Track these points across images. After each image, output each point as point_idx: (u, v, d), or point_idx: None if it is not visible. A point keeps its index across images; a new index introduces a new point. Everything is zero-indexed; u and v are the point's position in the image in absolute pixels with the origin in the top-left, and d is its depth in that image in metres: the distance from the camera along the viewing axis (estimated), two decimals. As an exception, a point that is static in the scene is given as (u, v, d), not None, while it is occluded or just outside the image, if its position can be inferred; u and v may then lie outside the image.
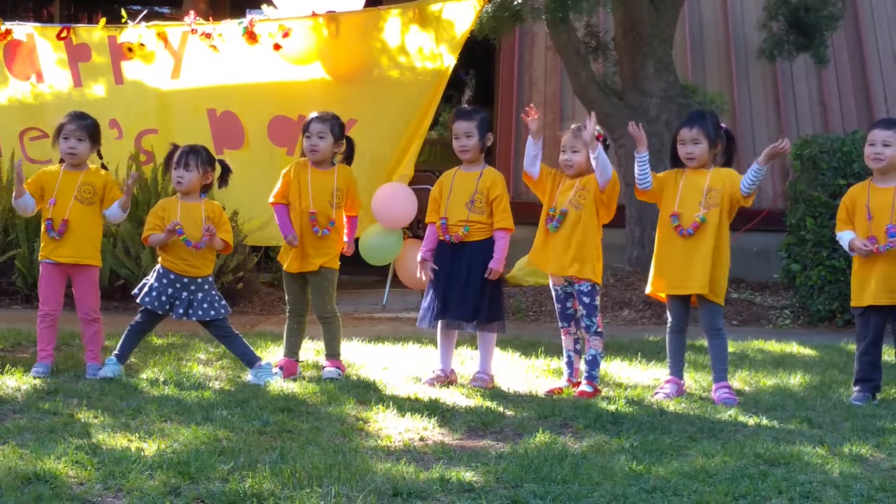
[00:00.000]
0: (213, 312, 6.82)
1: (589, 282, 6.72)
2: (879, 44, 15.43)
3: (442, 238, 6.92)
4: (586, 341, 6.79)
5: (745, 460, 4.96)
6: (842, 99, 14.95)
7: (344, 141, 7.21)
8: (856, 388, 6.67)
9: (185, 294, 6.79)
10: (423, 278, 7.07)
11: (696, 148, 6.64)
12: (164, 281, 6.80)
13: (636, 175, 6.74)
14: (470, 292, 6.82)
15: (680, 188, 6.68)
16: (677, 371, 6.76)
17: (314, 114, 7.20)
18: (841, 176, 10.35)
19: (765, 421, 5.91)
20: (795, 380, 7.23)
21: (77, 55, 11.39)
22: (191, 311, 6.79)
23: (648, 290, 6.91)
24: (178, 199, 6.95)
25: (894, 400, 6.62)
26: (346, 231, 7.24)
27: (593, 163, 6.63)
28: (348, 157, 7.30)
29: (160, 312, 6.83)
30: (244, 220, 10.81)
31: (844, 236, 6.67)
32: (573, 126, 6.92)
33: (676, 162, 6.80)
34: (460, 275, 6.85)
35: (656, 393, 6.61)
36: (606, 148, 6.93)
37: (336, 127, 7.14)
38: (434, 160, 15.90)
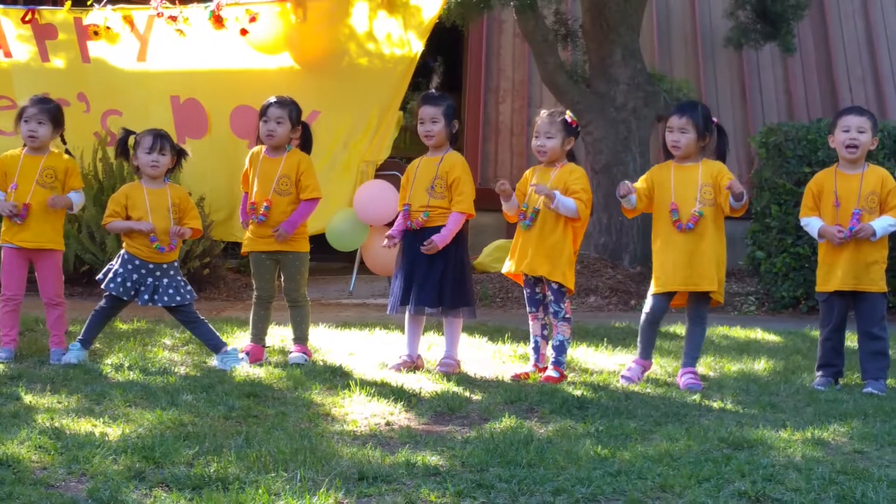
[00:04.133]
0: (178, 298, 6.79)
1: (559, 282, 6.73)
2: (844, 32, 15.52)
3: (405, 224, 6.90)
4: (554, 327, 6.79)
5: (709, 444, 4.99)
6: (807, 87, 15.04)
7: (300, 127, 7.17)
8: (819, 374, 6.72)
9: (150, 280, 6.76)
10: (385, 243, 7.01)
11: (683, 137, 6.62)
12: (129, 267, 6.75)
13: (623, 205, 6.78)
14: (432, 278, 6.79)
15: (672, 182, 6.67)
16: (647, 353, 6.78)
17: (272, 98, 7.12)
18: (806, 164, 10.41)
19: (729, 405, 5.95)
20: (759, 365, 7.28)
21: (43, 34, 11.36)
22: (156, 297, 6.75)
23: (654, 289, 6.75)
24: (143, 186, 6.87)
25: (856, 385, 6.67)
26: (292, 216, 7.04)
27: (558, 210, 6.64)
28: (305, 144, 7.24)
29: (125, 298, 6.79)
30: (208, 211, 10.79)
31: (812, 223, 6.69)
32: (545, 111, 6.92)
33: (668, 153, 6.77)
34: (422, 261, 6.82)
35: (622, 376, 6.63)
36: (577, 136, 6.92)
37: (294, 112, 7.09)
38: (402, 146, 15.88)
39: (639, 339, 6.82)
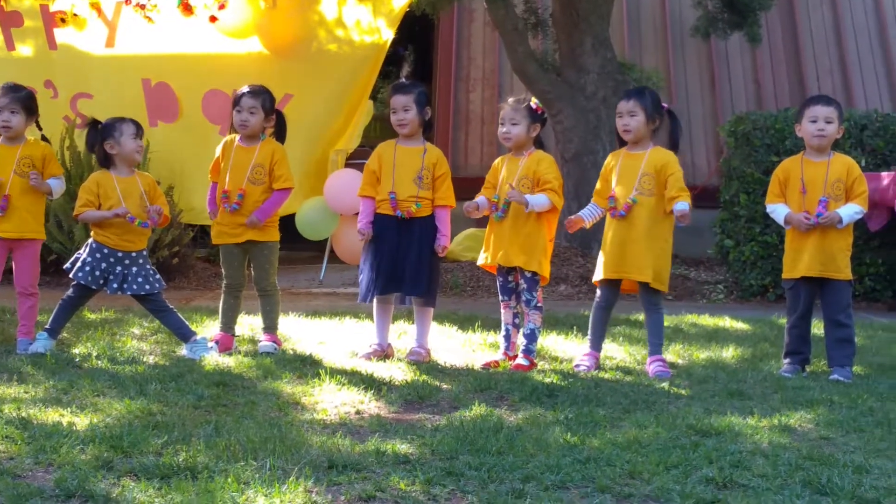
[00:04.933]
0: (147, 287, 6.76)
1: (534, 271, 6.74)
2: (812, 23, 15.62)
3: (391, 213, 6.84)
4: (525, 315, 6.80)
5: (678, 431, 5.01)
6: (775, 77, 15.13)
7: (274, 115, 7.15)
8: (786, 361, 6.77)
9: (119, 268, 6.72)
10: (361, 238, 6.99)
11: (633, 120, 6.65)
12: (98, 255, 6.71)
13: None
14: (423, 269, 6.79)
15: (617, 170, 6.71)
16: (597, 345, 6.81)
17: (246, 87, 7.09)
18: (774, 153, 10.47)
19: (697, 393, 5.97)
20: (727, 353, 7.32)
21: (9, 21, 11.31)
22: (125, 286, 6.71)
23: (595, 277, 6.84)
24: (113, 174, 6.81)
25: (823, 372, 6.72)
26: (264, 204, 7.04)
27: (534, 211, 6.67)
28: (279, 132, 7.22)
29: (94, 288, 6.74)
30: (179, 196, 10.76)
31: (778, 209, 6.73)
32: (511, 98, 6.92)
33: (622, 141, 6.82)
34: (411, 250, 6.80)
35: (577, 366, 6.66)
36: (544, 122, 6.92)
37: (267, 101, 7.07)
38: (372, 135, 15.88)
39: (590, 329, 6.85)
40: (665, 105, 6.79)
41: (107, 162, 6.83)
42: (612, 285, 6.78)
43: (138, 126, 6.84)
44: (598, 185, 6.86)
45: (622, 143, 6.85)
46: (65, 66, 11.27)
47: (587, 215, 6.83)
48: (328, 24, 11.21)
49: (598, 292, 6.85)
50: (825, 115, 6.64)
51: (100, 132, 6.80)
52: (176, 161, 10.98)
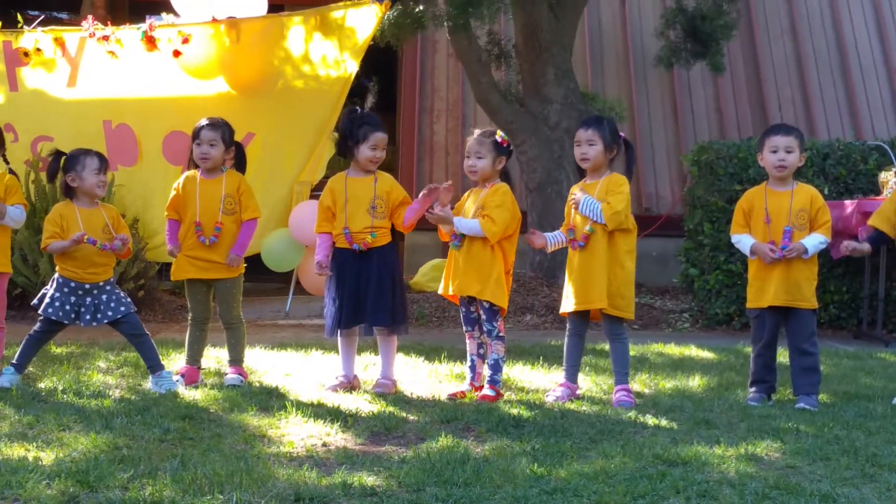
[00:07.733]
0: (122, 309, 6.69)
1: (489, 301, 6.76)
2: (773, 52, 15.79)
3: (347, 247, 6.86)
4: (488, 346, 6.81)
5: (644, 461, 5.03)
6: (737, 106, 15.27)
7: (234, 147, 7.14)
8: (752, 390, 6.80)
9: (88, 300, 6.66)
10: (318, 271, 6.97)
11: (591, 149, 6.68)
12: (66, 290, 6.66)
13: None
14: (385, 299, 6.79)
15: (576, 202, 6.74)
16: (572, 376, 6.83)
17: (204, 120, 7.09)
18: (737, 181, 10.56)
19: (664, 422, 5.99)
20: (694, 382, 7.35)
21: None
22: (99, 315, 6.65)
23: (562, 308, 6.85)
24: (75, 206, 6.78)
25: (789, 401, 6.76)
26: (239, 239, 7.07)
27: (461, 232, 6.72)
28: (239, 164, 7.22)
29: (66, 322, 6.69)
30: (142, 234, 10.72)
31: (744, 240, 6.76)
32: (477, 131, 6.94)
33: (582, 171, 6.86)
34: (371, 281, 6.80)
35: (548, 395, 6.67)
36: (509, 155, 6.94)
37: (227, 133, 7.06)
38: (337, 167, 15.87)
39: (564, 359, 6.88)
40: (622, 134, 6.84)
41: (70, 193, 6.79)
42: (580, 314, 6.80)
43: (102, 160, 6.80)
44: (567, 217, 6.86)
45: (582, 174, 6.88)
46: (26, 109, 11.20)
47: (550, 238, 6.86)
48: (294, 61, 11.20)
49: (568, 324, 6.88)
50: (785, 145, 6.69)
51: (62, 164, 6.77)
52: (137, 202, 10.96)
